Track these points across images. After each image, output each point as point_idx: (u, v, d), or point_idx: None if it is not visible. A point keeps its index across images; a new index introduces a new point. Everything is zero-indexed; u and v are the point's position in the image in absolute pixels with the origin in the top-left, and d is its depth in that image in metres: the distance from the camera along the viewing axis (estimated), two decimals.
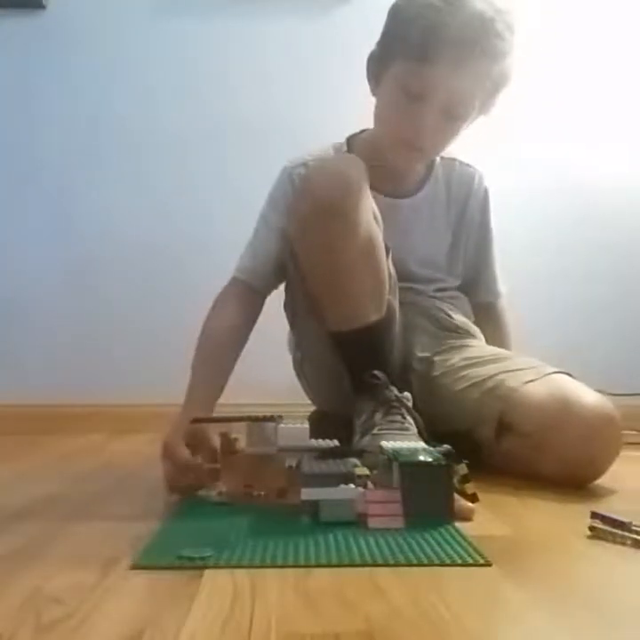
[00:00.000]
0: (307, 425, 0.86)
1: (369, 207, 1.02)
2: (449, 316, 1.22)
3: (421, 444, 0.83)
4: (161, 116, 1.80)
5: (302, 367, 1.26)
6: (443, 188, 1.25)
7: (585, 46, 1.81)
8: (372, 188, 1.03)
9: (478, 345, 1.22)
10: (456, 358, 1.15)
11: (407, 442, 0.85)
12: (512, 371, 1.06)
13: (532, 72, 1.76)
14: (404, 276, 1.15)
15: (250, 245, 1.19)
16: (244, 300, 1.14)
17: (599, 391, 0.98)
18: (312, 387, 1.28)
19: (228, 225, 1.74)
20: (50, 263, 1.77)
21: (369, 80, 1.15)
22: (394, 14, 1.07)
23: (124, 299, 1.77)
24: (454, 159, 1.27)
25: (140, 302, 1.77)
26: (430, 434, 0.96)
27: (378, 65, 1.12)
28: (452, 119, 1.08)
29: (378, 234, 1.04)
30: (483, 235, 1.30)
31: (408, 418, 0.98)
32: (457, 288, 1.28)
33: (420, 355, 1.18)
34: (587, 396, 0.97)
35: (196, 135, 1.79)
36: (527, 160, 1.80)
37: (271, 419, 0.84)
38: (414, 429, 0.97)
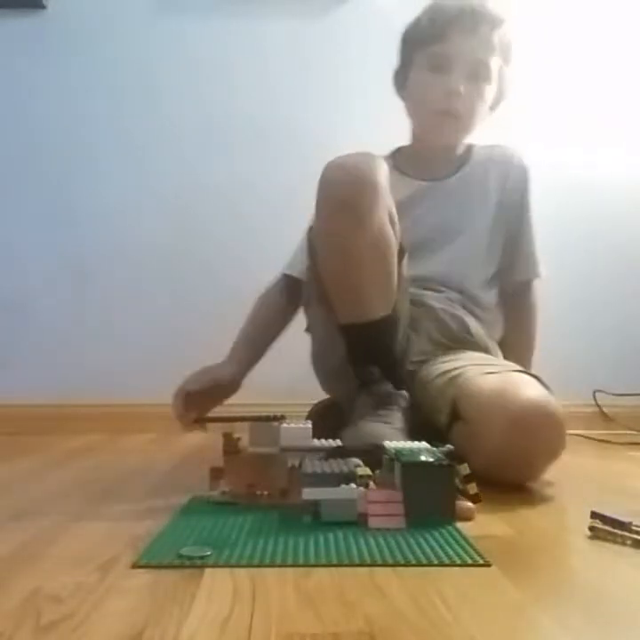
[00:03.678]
0: (309, 425, 0.86)
1: (383, 205, 1.02)
2: (465, 327, 1.21)
3: (424, 444, 0.83)
4: (161, 116, 1.79)
5: (312, 351, 1.26)
6: (481, 168, 1.32)
7: (586, 49, 1.81)
8: (408, 175, 1.20)
9: (478, 355, 1.19)
10: (444, 359, 1.15)
11: (409, 442, 0.85)
12: (480, 365, 1.05)
13: (533, 74, 1.76)
14: (429, 276, 1.21)
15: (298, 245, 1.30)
16: (286, 288, 1.31)
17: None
18: (319, 373, 1.28)
19: (229, 224, 1.75)
20: (50, 263, 1.77)
21: (398, 89, 1.33)
22: (406, 29, 1.30)
23: (125, 298, 1.77)
24: (495, 145, 1.35)
25: (140, 302, 1.77)
26: (418, 431, 0.96)
27: (402, 70, 1.31)
28: (476, 81, 1.23)
29: (391, 233, 1.04)
30: (523, 210, 1.34)
31: (397, 414, 1.00)
32: (495, 272, 1.30)
33: (416, 358, 1.17)
34: (527, 390, 0.93)
35: (196, 134, 1.79)
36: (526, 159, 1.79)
37: (274, 418, 0.84)
38: (399, 425, 0.98)
